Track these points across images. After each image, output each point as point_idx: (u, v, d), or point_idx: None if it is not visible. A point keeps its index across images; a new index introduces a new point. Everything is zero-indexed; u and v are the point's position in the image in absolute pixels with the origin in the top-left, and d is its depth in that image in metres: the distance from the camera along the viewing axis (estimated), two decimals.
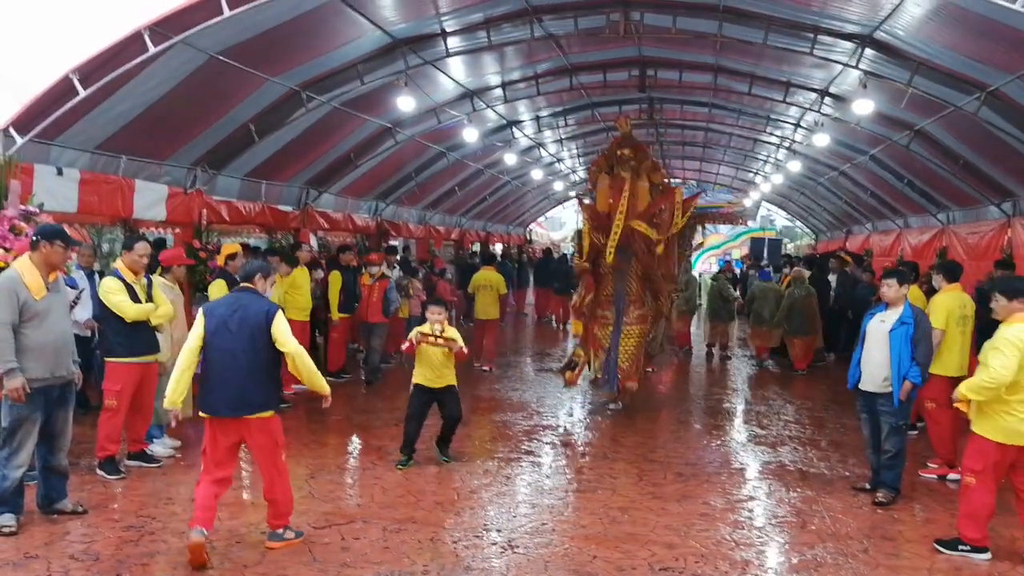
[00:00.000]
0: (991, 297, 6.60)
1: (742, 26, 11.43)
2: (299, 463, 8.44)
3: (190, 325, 9.41)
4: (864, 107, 12.01)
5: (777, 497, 7.81)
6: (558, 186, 28.22)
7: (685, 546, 6.46)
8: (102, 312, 7.79)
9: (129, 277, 7.70)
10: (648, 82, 15.60)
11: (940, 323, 8.27)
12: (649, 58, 14.64)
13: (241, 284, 6.40)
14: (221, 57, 9.38)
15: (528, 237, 34.13)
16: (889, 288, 7.67)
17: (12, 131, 8.22)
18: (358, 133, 14.31)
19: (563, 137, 21.75)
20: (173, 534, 6.36)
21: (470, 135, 16.09)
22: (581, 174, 28.15)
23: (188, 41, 8.58)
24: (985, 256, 13.14)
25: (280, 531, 6.29)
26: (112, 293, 7.57)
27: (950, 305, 8.36)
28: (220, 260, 9.92)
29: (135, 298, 7.64)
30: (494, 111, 16.67)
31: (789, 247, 35.75)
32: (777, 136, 19.31)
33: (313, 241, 15.22)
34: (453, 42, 12.10)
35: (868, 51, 10.85)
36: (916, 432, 9.69)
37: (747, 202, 32.52)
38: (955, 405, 6.60)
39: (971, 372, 6.85)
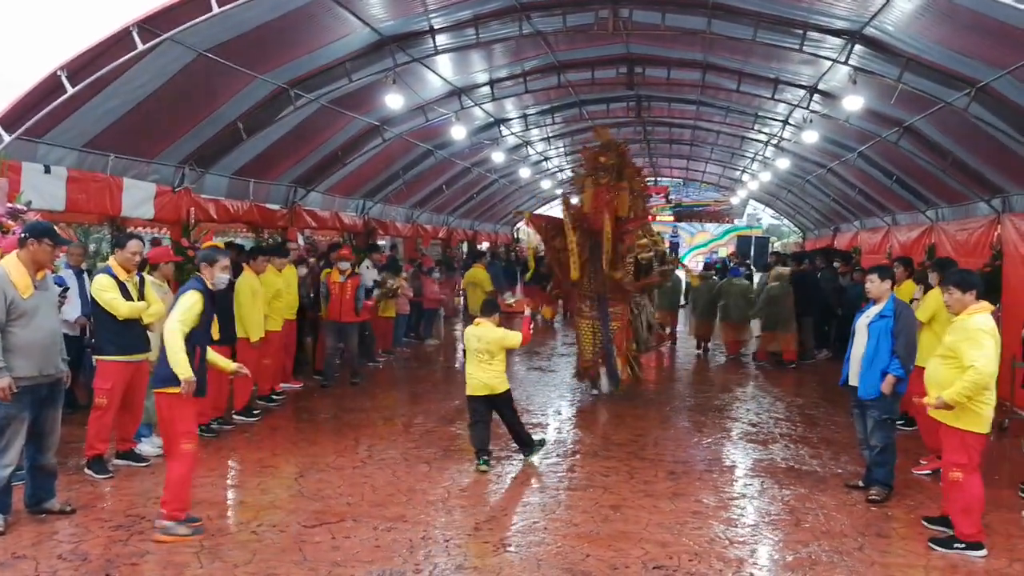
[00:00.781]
0: (945, 291, 6.70)
1: (731, 22, 11.39)
2: (288, 462, 8.42)
3: None
4: (853, 103, 12.00)
5: (770, 495, 7.80)
6: (545, 184, 28.19)
7: (678, 544, 6.45)
8: (94, 310, 7.74)
9: (121, 275, 7.65)
10: (636, 79, 15.60)
11: (924, 316, 8.33)
12: (637, 55, 14.64)
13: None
14: (209, 55, 9.32)
15: (515, 236, 34.10)
16: (872, 284, 7.77)
17: None
18: (346, 131, 14.25)
19: (551, 135, 21.73)
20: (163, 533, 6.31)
21: (458, 133, 16.05)
22: (569, 172, 28.14)
23: (176, 38, 8.52)
24: (974, 253, 13.17)
25: (167, 522, 6.26)
26: (104, 291, 7.51)
27: (943, 303, 8.36)
28: None
29: (127, 296, 7.60)
30: (482, 109, 16.62)
31: (776, 245, 35.87)
32: (765, 133, 19.31)
33: (300, 240, 15.15)
34: (441, 39, 12.05)
35: (857, 47, 10.84)
36: (909, 429, 9.69)
37: (734, 200, 32.78)
38: (930, 413, 6.63)
39: None
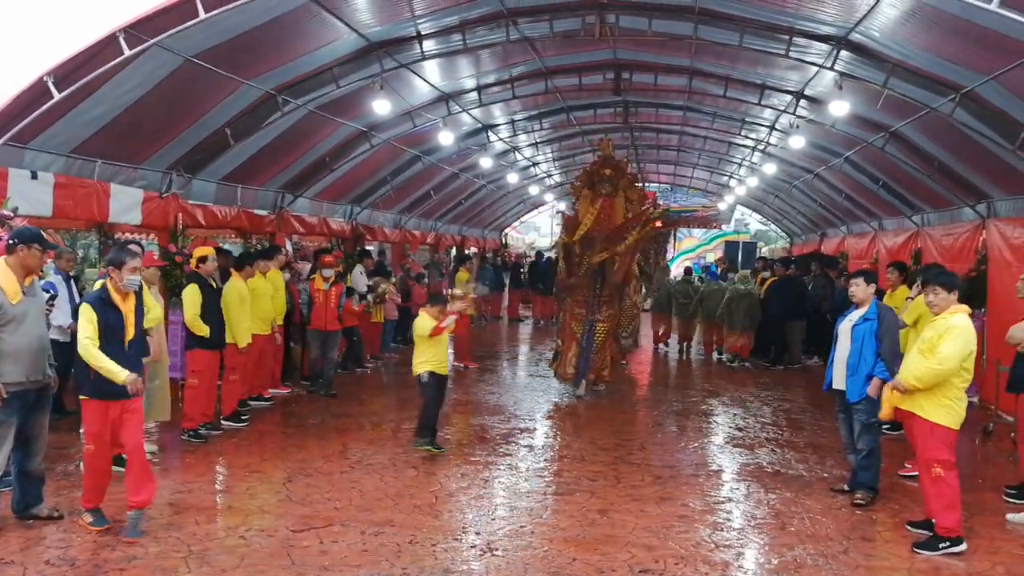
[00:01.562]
0: (929, 291, 6.80)
1: (717, 28, 11.46)
2: (276, 467, 8.41)
3: (167, 330, 9.41)
4: (839, 109, 12.06)
5: (756, 499, 7.84)
6: (533, 190, 28.21)
7: (664, 548, 6.47)
8: None
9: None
10: (623, 85, 15.64)
11: (910, 318, 8.41)
12: (624, 61, 14.68)
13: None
14: (196, 60, 9.31)
15: (503, 241, 34.12)
16: (857, 287, 7.84)
17: None
18: (333, 137, 14.24)
19: (538, 141, 21.73)
20: (151, 539, 6.30)
21: (445, 139, 16.05)
22: (556, 178, 28.22)
23: (163, 44, 8.50)
24: (959, 258, 13.25)
25: (82, 508, 6.58)
26: None
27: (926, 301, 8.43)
28: (192, 263, 9.83)
29: None
30: (469, 114, 16.63)
31: (763, 250, 35.98)
32: (752, 139, 19.38)
33: (288, 245, 15.13)
34: (428, 45, 12.07)
35: (843, 52, 10.91)
36: (894, 433, 9.74)
37: (721, 205, 32.82)
38: (886, 404, 6.77)
39: None
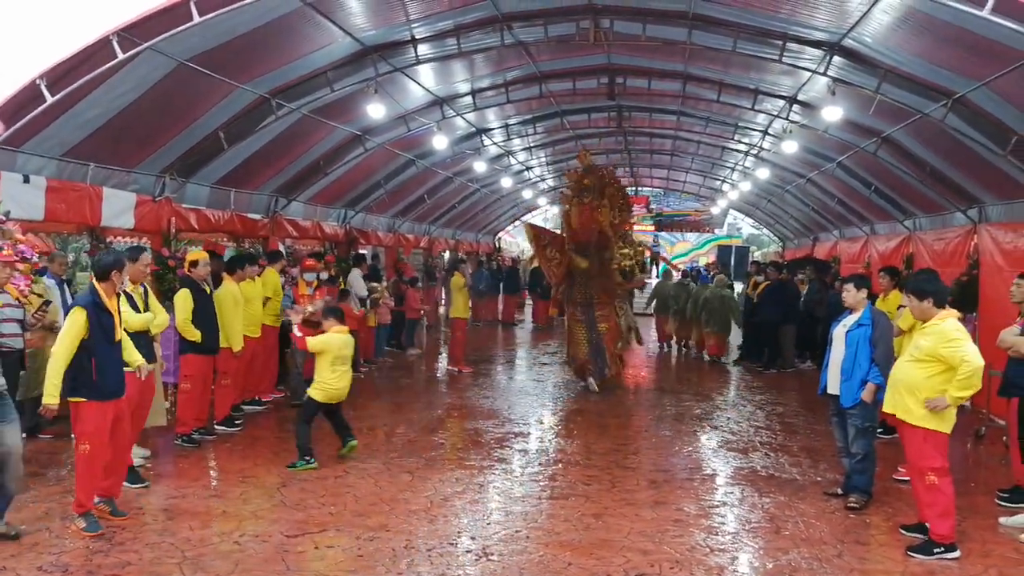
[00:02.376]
0: (906, 296, 6.92)
1: (711, 33, 11.48)
2: (270, 471, 8.39)
3: (159, 334, 9.34)
4: (832, 114, 12.10)
5: (750, 503, 7.84)
6: (527, 194, 28.25)
7: (659, 552, 6.47)
8: None
9: (128, 287, 7.62)
10: (617, 90, 15.67)
11: (905, 324, 8.41)
12: (618, 66, 14.70)
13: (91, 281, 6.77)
14: (190, 64, 9.30)
15: (497, 245, 34.15)
16: (848, 293, 7.90)
17: None
18: (327, 141, 14.24)
19: (532, 145, 21.77)
20: (144, 544, 6.28)
21: (439, 143, 16.05)
22: (550, 182, 28.25)
23: (157, 47, 8.49)
24: (951, 262, 13.30)
25: (75, 514, 6.57)
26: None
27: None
28: (185, 267, 9.81)
29: (135, 308, 7.57)
30: (463, 119, 16.65)
31: (756, 254, 36.06)
32: (745, 143, 19.43)
33: (282, 249, 15.10)
34: (423, 49, 12.08)
35: (836, 58, 10.94)
36: (888, 437, 9.75)
37: (714, 210, 32.93)
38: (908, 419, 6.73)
39: None
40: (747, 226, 39.14)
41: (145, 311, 7.67)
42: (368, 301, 14.22)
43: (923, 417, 6.54)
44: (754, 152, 19.63)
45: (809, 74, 12.05)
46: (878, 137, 13.24)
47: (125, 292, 7.56)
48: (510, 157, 22.14)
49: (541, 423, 11.29)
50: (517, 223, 34.38)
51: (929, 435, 6.56)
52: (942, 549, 6.48)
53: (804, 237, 26.06)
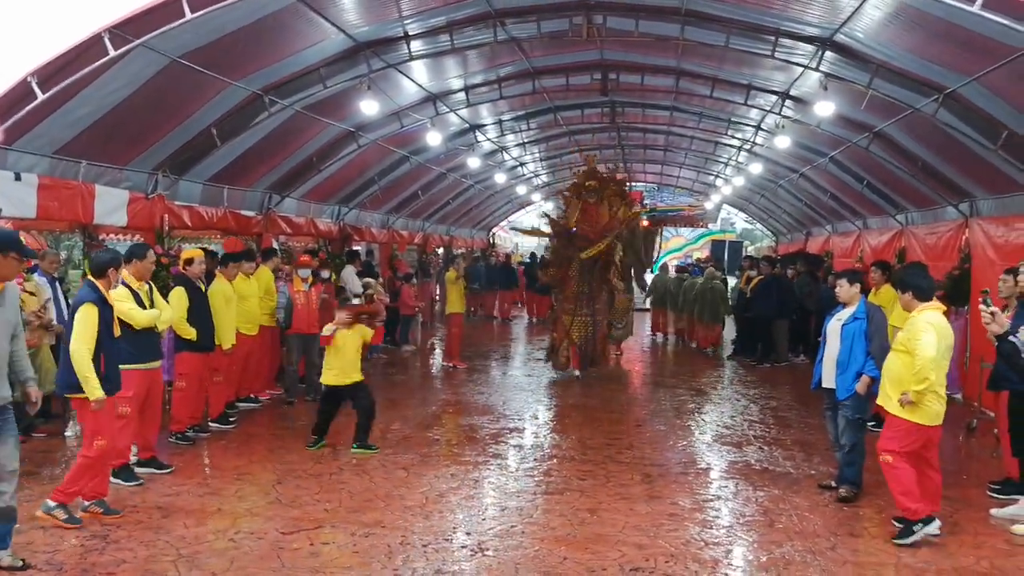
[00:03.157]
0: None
1: (704, 29, 11.51)
2: (265, 468, 8.40)
3: None
4: (824, 109, 12.12)
5: (744, 496, 7.87)
6: (521, 190, 28.25)
7: (654, 546, 6.49)
8: None
9: (134, 284, 7.65)
10: (610, 86, 15.69)
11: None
12: (611, 62, 14.72)
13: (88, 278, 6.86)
14: (182, 60, 9.28)
15: (491, 241, 34.15)
16: (841, 288, 7.96)
17: None
18: (321, 137, 14.22)
19: (525, 141, 21.77)
20: (139, 542, 6.28)
21: (433, 139, 16.06)
22: (544, 178, 28.26)
23: (149, 44, 8.48)
24: (943, 256, 13.35)
25: (51, 503, 6.62)
26: (121, 301, 7.45)
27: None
28: (180, 265, 9.81)
29: (141, 305, 7.59)
30: (457, 115, 16.65)
31: (750, 249, 36.11)
32: (738, 139, 19.45)
33: (275, 246, 15.08)
34: (416, 45, 12.07)
35: (828, 53, 10.97)
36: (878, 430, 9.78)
37: (708, 205, 32.90)
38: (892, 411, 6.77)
39: None
40: (741, 221, 39.09)
41: (151, 308, 7.70)
42: (363, 297, 14.18)
43: (899, 407, 6.65)
44: (747, 147, 19.66)
45: (801, 69, 12.09)
46: (870, 132, 13.27)
47: (131, 289, 7.58)
48: (503, 153, 22.13)
49: (536, 418, 11.31)
50: (511, 220, 34.39)
51: (894, 420, 6.71)
52: (920, 524, 6.59)
53: (797, 232, 26.10)
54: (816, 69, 11.43)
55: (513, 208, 32.77)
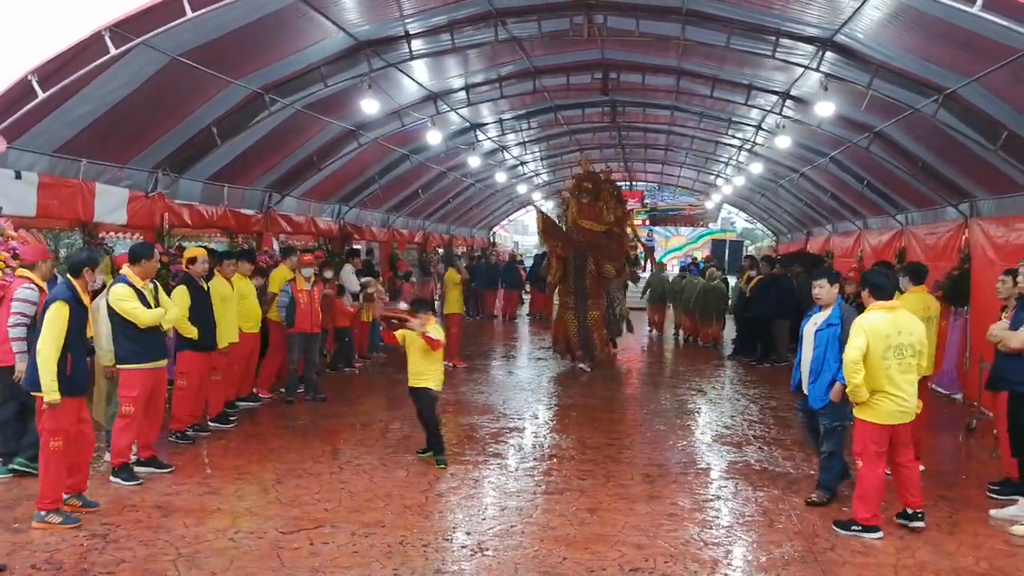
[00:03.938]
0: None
1: (705, 29, 11.52)
2: (265, 468, 8.39)
3: None
4: (825, 109, 12.14)
5: (744, 496, 7.87)
6: (521, 189, 28.25)
7: (654, 546, 6.49)
8: (113, 320, 7.63)
9: (138, 283, 7.63)
10: (611, 85, 15.68)
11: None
12: (612, 61, 14.72)
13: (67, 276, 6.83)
14: (183, 59, 9.29)
15: (492, 240, 34.14)
16: (820, 289, 7.73)
17: None
18: (321, 136, 14.23)
19: (526, 140, 21.78)
20: (138, 542, 6.28)
21: (433, 138, 16.07)
22: (544, 177, 28.25)
23: (149, 43, 8.49)
24: (943, 256, 13.34)
25: (41, 512, 6.52)
26: (124, 300, 7.46)
27: (914, 306, 8.41)
28: (183, 264, 9.80)
29: (145, 304, 7.59)
30: (457, 114, 16.65)
31: (750, 249, 36.12)
32: (738, 138, 19.46)
33: (275, 245, 15.10)
34: (417, 44, 12.08)
35: (829, 54, 10.98)
36: None
37: (708, 204, 32.93)
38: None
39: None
40: (741, 220, 39.10)
41: (156, 307, 7.71)
42: (362, 296, 14.20)
43: (857, 408, 6.84)
44: (747, 147, 19.67)
45: (802, 70, 12.09)
46: (870, 132, 13.27)
47: (136, 288, 7.57)
48: (504, 152, 22.14)
49: (536, 418, 11.31)
50: (511, 219, 34.38)
51: (857, 423, 6.87)
52: (860, 527, 6.76)
53: (798, 231, 26.11)
54: (816, 69, 11.43)
55: (513, 207, 32.76)
